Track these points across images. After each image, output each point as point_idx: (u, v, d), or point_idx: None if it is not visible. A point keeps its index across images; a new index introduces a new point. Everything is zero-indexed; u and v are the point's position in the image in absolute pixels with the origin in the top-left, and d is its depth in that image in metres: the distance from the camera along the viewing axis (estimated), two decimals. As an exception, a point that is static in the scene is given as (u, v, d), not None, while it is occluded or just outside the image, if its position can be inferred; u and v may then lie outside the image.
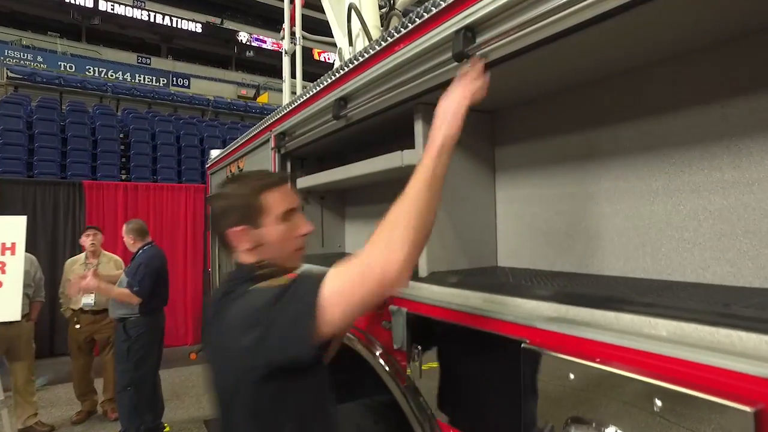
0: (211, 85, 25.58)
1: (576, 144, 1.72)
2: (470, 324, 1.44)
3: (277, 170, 3.02)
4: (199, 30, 31.83)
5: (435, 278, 1.76)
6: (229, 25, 33.72)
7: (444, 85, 1.66)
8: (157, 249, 4.52)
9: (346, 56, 4.33)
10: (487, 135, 2.04)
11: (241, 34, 34.37)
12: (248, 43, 34.98)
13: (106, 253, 5.44)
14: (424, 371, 1.63)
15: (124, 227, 4.55)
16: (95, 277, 3.99)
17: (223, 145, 12.34)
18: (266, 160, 3.23)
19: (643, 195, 1.49)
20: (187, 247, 8.54)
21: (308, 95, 2.48)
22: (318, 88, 2.36)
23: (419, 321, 1.67)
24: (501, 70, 1.44)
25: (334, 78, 2.21)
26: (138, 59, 27.35)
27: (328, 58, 36.85)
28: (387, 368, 1.80)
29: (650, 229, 1.47)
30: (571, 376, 1.05)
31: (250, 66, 35.46)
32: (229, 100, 19.42)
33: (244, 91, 27.93)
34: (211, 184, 5.17)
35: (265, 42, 35.84)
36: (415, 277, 1.81)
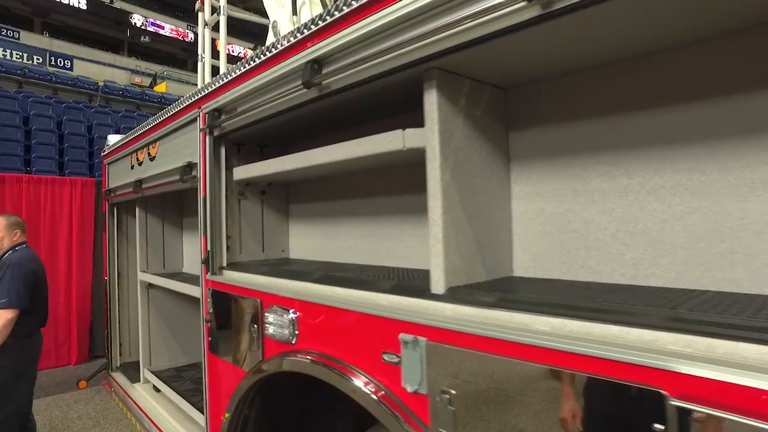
0: (100, 69, 22.81)
1: (626, 125, 1.40)
2: (538, 360, 1.05)
3: (207, 156, 2.41)
4: (83, 6, 28.37)
5: (458, 295, 1.33)
6: (120, 5, 30.55)
7: (469, 45, 1.28)
8: (33, 253, 3.55)
9: (286, 29, 3.77)
10: (500, 116, 1.66)
11: (135, 16, 31.36)
12: (143, 27, 32.02)
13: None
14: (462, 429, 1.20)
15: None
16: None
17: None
18: (192, 143, 2.59)
19: (732, 190, 1.20)
20: (72, 252, 7.23)
21: (262, 58, 1.94)
22: (278, 49, 1.82)
23: (447, 355, 1.24)
24: (520, 36, 1.14)
25: (304, 34, 1.70)
26: (1, 31, 23.38)
27: (232, 51, 35.01)
28: (393, 418, 1.34)
29: (743, 232, 1.18)
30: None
31: (145, 53, 32.45)
32: (122, 86, 17.35)
33: (138, 80, 25.37)
34: (110, 175, 4.28)
35: (162, 28, 33.11)
36: (422, 294, 1.38)
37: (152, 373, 3.68)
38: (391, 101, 1.86)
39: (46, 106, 10.75)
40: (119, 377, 4.06)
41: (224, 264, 2.40)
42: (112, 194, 4.12)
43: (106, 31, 30.84)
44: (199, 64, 3.99)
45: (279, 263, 2.47)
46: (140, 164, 3.46)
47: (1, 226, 3.38)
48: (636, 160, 1.38)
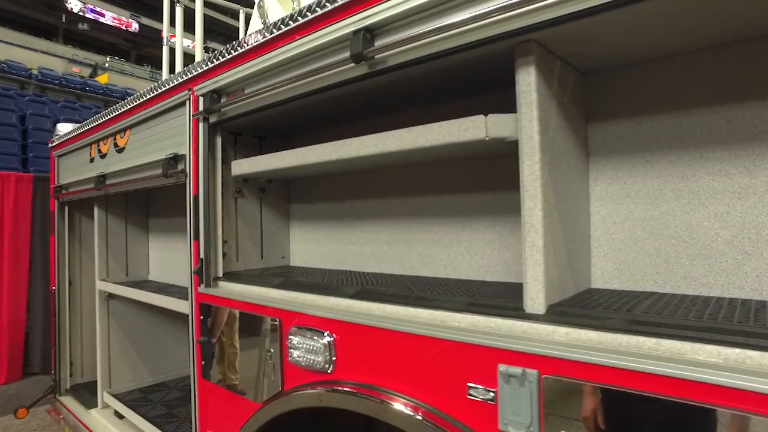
0: (32, 56, 20.97)
1: (750, 115, 1.21)
2: (716, 403, 0.82)
3: (200, 147, 2.04)
4: (12, -14, 26.11)
5: (565, 316, 1.09)
6: (53, -13, 28.38)
7: (582, 15, 1.04)
8: None
9: (276, 14, 3.41)
10: (580, 105, 1.43)
11: (71, 1, 29.24)
12: (81, 13, 29.94)
13: None
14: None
15: None
16: None
17: (55, 127, 9.87)
18: (178, 132, 2.20)
19: None
20: (3, 256, 6.42)
21: (283, 29, 1.61)
22: (312, 15, 1.51)
23: (570, 392, 0.99)
24: (610, 15, 0.98)
25: (349, -3, 1.40)
26: None
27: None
28: (492, 472, 1.07)
29: None
30: None
31: (84, 41, 30.32)
32: (60, 74, 15.95)
33: (77, 69, 23.57)
34: (59, 168, 3.73)
35: (103, 15, 31.14)
36: (515, 314, 1.14)
37: (113, 396, 3.20)
38: (438, 85, 1.60)
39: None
40: (70, 402, 3.52)
41: (220, 274, 2.04)
42: (64, 191, 3.58)
43: (38, 15, 28.56)
44: (178, 44, 3.56)
45: (284, 272, 2.13)
46: (103, 157, 2.99)
47: None
48: (761, 155, 1.18)
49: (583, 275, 1.39)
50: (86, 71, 24.30)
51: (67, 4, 28.99)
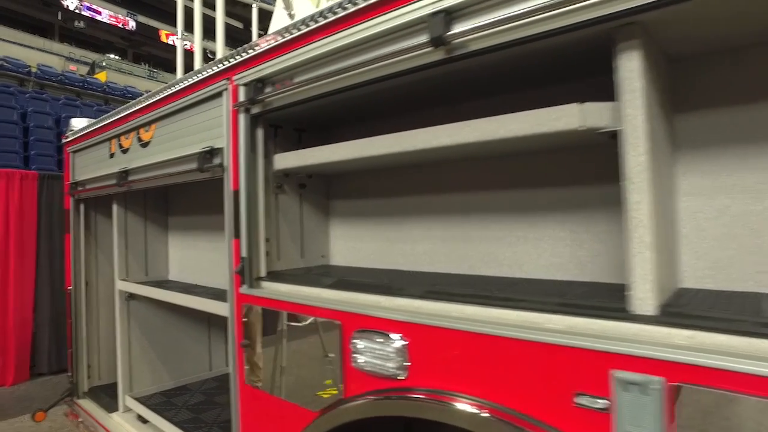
0: (28, 53, 20.72)
1: None
2: None
3: (241, 139, 1.94)
4: (5, -18, 25.80)
5: (683, 317, 1.00)
6: (48, -16, 28.09)
7: None
8: None
9: (301, 4, 3.31)
10: (668, 94, 1.34)
11: (67, -1, 28.96)
12: (77, 11, 29.67)
13: None
14: None
15: None
16: None
17: (57, 125, 9.71)
18: (215, 123, 2.10)
19: None
20: (9, 256, 6.29)
21: (343, 13, 1.51)
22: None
23: (704, 402, 0.90)
24: None
25: (424, -24, 1.31)
26: None
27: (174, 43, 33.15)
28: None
29: None
30: None
31: (80, 39, 30.04)
32: (60, 71, 15.75)
33: (74, 67, 23.33)
34: (74, 165, 3.61)
35: (99, 13, 30.87)
36: (622, 315, 1.05)
37: (135, 399, 3.09)
38: (504, 74, 1.50)
39: (-30, 89, 9.45)
40: (88, 405, 3.42)
41: (263, 274, 1.94)
42: (80, 188, 3.46)
43: (33, 13, 28.28)
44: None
45: (329, 272, 2.04)
46: (125, 152, 2.88)
47: None
48: None
49: (673, 274, 1.30)
50: (83, 69, 24.05)
51: (63, 2, 28.71)
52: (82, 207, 3.64)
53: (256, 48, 1.85)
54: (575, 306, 1.16)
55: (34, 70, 14.21)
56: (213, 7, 3.83)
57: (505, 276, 1.69)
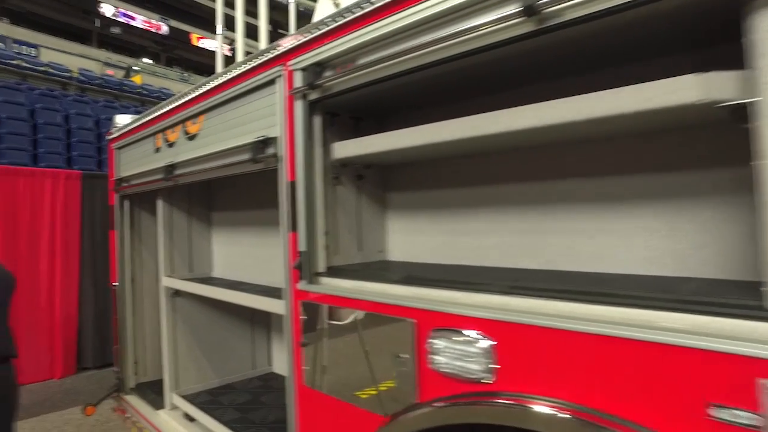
0: (69, 59, 21.39)
1: None
2: None
3: (297, 128, 1.84)
4: (49, -8, 26.77)
5: None
6: (88, -7, 29.00)
7: None
8: None
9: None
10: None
11: (104, 6, 29.84)
12: (114, 17, 30.53)
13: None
14: None
15: None
16: None
17: (97, 126, 9.95)
18: (266, 113, 2.02)
19: None
20: (55, 253, 6.44)
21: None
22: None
23: None
24: None
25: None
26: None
27: (208, 46, 33.72)
28: None
29: None
30: None
31: (116, 44, 30.92)
32: (99, 75, 16.21)
33: (111, 72, 24.02)
34: (119, 161, 3.61)
35: (134, 19, 31.66)
36: (759, 313, 0.89)
37: (182, 397, 3.06)
38: (586, 51, 1.35)
39: (17, 92, 9.77)
40: (135, 401, 3.41)
41: (322, 269, 1.84)
42: (125, 184, 3.46)
43: (74, 21, 29.28)
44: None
45: (390, 267, 1.93)
46: (171, 145, 2.84)
47: None
48: None
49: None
50: (119, 73, 24.73)
51: (100, 9, 29.60)
52: (126, 203, 3.65)
53: (314, 31, 1.75)
54: (697, 303, 1.01)
55: (75, 74, 14.64)
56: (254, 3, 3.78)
57: (589, 271, 1.54)
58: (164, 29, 32.82)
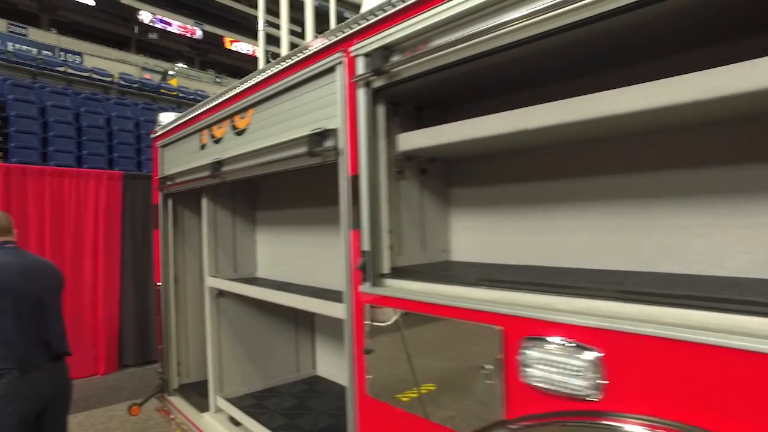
0: (109, 65, 22.10)
1: None
2: None
3: (361, 118, 1.71)
4: (91, 2, 27.77)
5: None
6: (128, 1, 29.97)
7: None
8: (4, 254, 2.59)
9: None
10: None
11: (142, 13, 30.77)
12: (151, 24, 31.42)
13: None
14: None
15: None
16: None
17: (137, 128, 10.15)
18: (324, 104, 1.90)
19: None
20: (98, 252, 6.54)
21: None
22: None
23: None
24: None
25: None
26: (9, 27, 22.87)
27: (240, 48, 34.27)
28: None
29: None
30: None
31: (152, 50, 31.82)
32: (138, 78, 16.64)
33: (148, 76, 24.69)
34: (163, 159, 3.58)
35: (170, 24, 32.48)
36: None
37: (227, 400, 2.98)
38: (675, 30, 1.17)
39: (63, 96, 10.06)
40: (179, 403, 3.36)
41: (386, 270, 1.71)
42: (169, 182, 3.42)
43: (114, 28, 30.31)
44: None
45: (451, 268, 1.78)
46: (217, 141, 2.76)
47: None
48: None
49: None
50: (156, 77, 25.41)
51: (139, 16, 30.49)
52: (170, 202, 3.61)
53: (379, 13, 1.62)
54: None
55: (116, 79, 15.07)
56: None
57: (698, 273, 1.35)
58: (199, 34, 33.57)
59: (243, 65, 33.37)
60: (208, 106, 2.84)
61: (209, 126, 2.85)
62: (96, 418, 4.99)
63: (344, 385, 3.23)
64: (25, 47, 19.15)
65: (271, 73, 2.24)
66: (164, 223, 3.60)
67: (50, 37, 24.82)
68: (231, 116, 2.61)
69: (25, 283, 2.51)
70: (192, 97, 15.27)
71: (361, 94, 1.72)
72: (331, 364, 3.44)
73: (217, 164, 2.67)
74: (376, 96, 1.72)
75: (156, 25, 31.88)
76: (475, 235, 1.93)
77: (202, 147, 2.95)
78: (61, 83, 12.22)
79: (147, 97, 13.88)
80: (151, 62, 29.11)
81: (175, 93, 15.35)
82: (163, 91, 14.96)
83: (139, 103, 12.03)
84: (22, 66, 12.81)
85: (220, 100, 2.70)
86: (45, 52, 19.78)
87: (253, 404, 2.96)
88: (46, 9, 27.13)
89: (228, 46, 34.55)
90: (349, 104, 1.77)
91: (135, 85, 14.56)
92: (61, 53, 20.77)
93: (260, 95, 2.30)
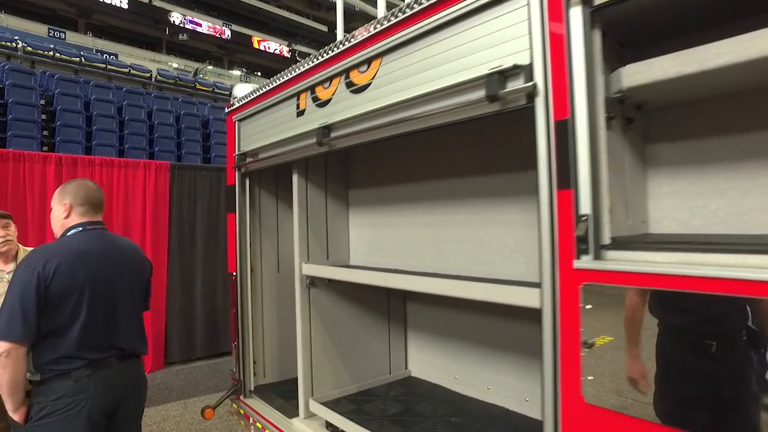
0: (143, 65, 22.40)
1: None
2: None
3: (578, 49, 1.32)
4: (125, 6, 28.17)
5: None
6: (159, 4, 30.34)
7: None
8: (87, 238, 2.22)
9: None
10: None
11: (173, 14, 31.10)
12: (182, 25, 31.71)
13: (27, 249, 3.16)
14: None
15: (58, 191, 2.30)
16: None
17: (177, 122, 9.97)
18: (504, 37, 1.51)
19: None
20: (146, 243, 6.29)
21: None
22: None
23: None
24: None
25: None
26: (49, 32, 23.41)
27: (268, 48, 34.34)
28: None
29: None
30: None
31: (182, 51, 32.13)
32: (175, 74, 16.61)
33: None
34: (239, 135, 3.24)
35: (200, 25, 32.76)
36: None
37: (323, 404, 2.61)
38: None
39: (107, 90, 9.94)
40: (259, 405, 3.01)
41: (606, 240, 1.31)
42: (250, 158, 3.08)
43: (146, 30, 30.73)
44: None
45: (670, 239, 1.37)
46: (322, 104, 2.40)
47: (69, 196, 2.24)
48: None
49: None
50: (188, 76, 25.60)
51: (170, 18, 30.81)
52: (247, 182, 3.27)
53: None
54: None
55: (154, 75, 15.03)
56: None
57: None
58: (227, 34, 33.77)
59: (269, 64, 33.47)
60: (310, 65, 2.48)
61: (311, 87, 2.49)
62: (150, 418, 4.69)
63: (447, 387, 2.89)
64: (63, 52, 19.51)
65: (410, 13, 1.86)
66: (241, 206, 3.26)
67: (86, 40, 25.28)
68: (346, 71, 2.24)
69: (102, 276, 2.16)
70: (228, 91, 15.16)
71: (573, 16, 1.33)
72: (427, 363, 3.05)
73: (326, 129, 2.30)
74: (591, 19, 1.33)
75: (186, 26, 32.17)
76: (695, 200, 1.51)
77: (300, 113, 2.59)
78: (102, 79, 12.17)
79: (183, 93, 13.78)
80: (182, 63, 29.39)
81: (211, 88, 15.21)
82: (198, 86, 14.83)
83: (179, 97, 11.88)
84: (66, 63, 12.82)
85: (330, 55, 2.33)
86: (82, 53, 20.09)
87: (352, 409, 2.58)
88: (82, 13, 27.67)
89: (256, 45, 34.71)
90: (550, 32, 1.38)
91: (171, 81, 14.48)
92: (98, 54, 21.07)
93: (393, 40, 1.93)
